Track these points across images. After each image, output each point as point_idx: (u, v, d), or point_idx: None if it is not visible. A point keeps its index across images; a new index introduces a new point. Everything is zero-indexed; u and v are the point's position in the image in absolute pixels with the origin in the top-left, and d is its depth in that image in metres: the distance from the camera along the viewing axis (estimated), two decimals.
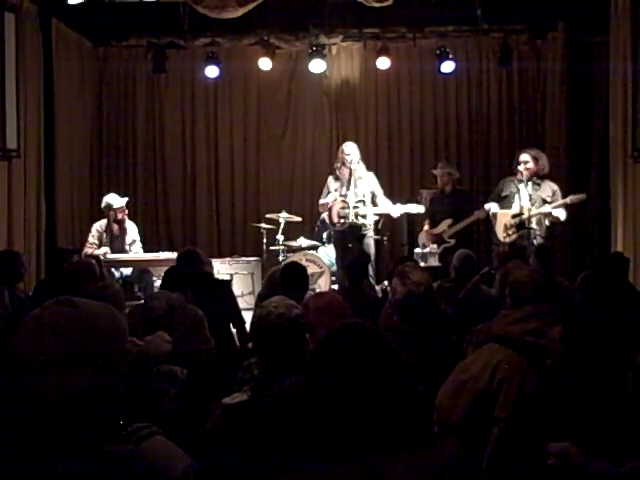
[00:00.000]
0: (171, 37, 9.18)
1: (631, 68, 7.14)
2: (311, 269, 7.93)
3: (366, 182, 7.48)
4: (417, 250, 8.49)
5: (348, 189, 7.45)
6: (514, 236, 7.02)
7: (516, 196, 7.09)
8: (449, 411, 2.78)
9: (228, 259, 8.56)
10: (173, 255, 7.76)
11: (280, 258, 8.18)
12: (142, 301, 5.15)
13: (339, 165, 7.60)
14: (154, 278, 7.63)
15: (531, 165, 7.00)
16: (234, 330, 5.34)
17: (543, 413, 2.53)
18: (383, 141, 9.79)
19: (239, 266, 8.47)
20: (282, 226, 8.47)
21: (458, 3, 8.38)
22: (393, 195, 8.17)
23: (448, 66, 8.83)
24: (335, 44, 9.46)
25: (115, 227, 7.82)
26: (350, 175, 7.46)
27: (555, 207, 6.91)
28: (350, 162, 7.41)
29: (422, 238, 8.30)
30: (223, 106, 9.88)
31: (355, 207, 7.40)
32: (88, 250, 7.65)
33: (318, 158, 9.69)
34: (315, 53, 8.74)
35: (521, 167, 7.01)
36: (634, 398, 2.31)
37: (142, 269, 7.78)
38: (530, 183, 6.96)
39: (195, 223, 9.89)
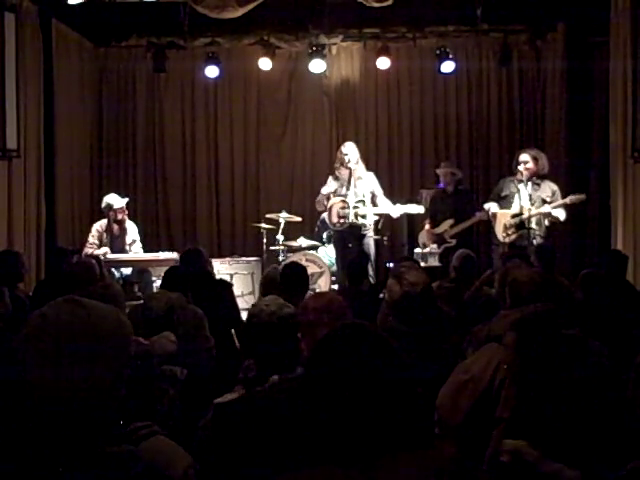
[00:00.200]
0: (171, 37, 9.18)
1: (631, 68, 7.14)
2: (311, 269, 7.93)
3: (366, 182, 7.48)
4: (417, 250, 8.49)
5: (348, 189, 7.45)
6: (513, 236, 7.02)
7: (516, 196, 7.09)
8: (450, 411, 2.78)
9: (228, 259, 8.56)
10: (173, 255, 7.78)
11: (280, 258, 8.18)
12: (142, 301, 5.15)
13: (338, 165, 7.60)
14: (154, 278, 7.63)
15: (531, 165, 7.00)
16: (233, 330, 5.34)
17: (544, 412, 2.53)
18: (383, 141, 9.79)
19: (239, 266, 8.47)
20: (282, 226, 8.47)
21: (458, 3, 8.38)
22: (393, 195, 8.17)
23: (448, 66, 8.83)
24: (335, 44, 9.46)
25: (115, 227, 7.82)
26: (350, 175, 7.46)
27: (555, 207, 6.91)
28: (348, 162, 7.41)
29: (423, 237, 8.30)
30: (223, 106, 9.88)
31: (355, 207, 7.40)
32: (88, 250, 7.65)
33: (318, 158, 9.69)
34: (315, 53, 8.74)
35: (521, 167, 7.02)
36: (634, 398, 2.31)
37: (141, 269, 7.78)
38: (530, 183, 6.96)
39: (195, 223, 9.89)
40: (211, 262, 5.89)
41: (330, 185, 7.60)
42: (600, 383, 2.77)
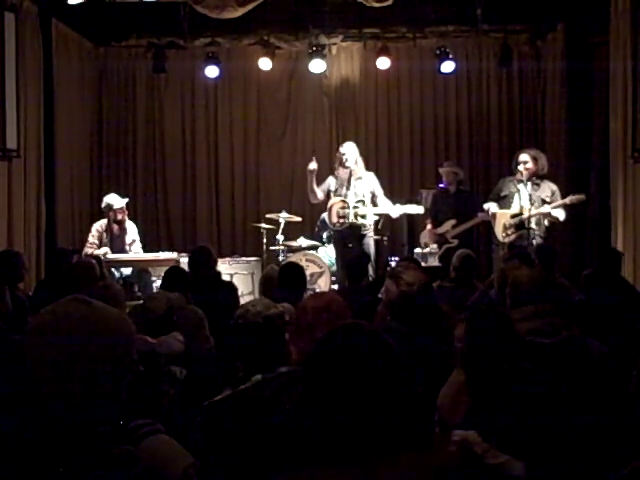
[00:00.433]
0: (171, 37, 9.18)
1: (631, 68, 7.13)
2: (311, 269, 7.93)
3: (366, 182, 7.47)
4: (417, 250, 8.49)
5: (348, 189, 7.45)
6: (513, 236, 7.02)
7: (515, 196, 7.09)
8: (450, 411, 2.78)
9: (228, 259, 8.56)
10: (173, 255, 7.79)
11: (280, 258, 8.18)
12: (142, 301, 5.16)
13: (337, 165, 7.60)
14: (153, 278, 7.63)
15: (530, 165, 7.00)
16: None
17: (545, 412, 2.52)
18: (383, 141, 9.79)
19: (239, 266, 8.47)
20: (282, 226, 8.47)
21: (458, 3, 8.38)
22: (393, 195, 8.17)
23: (448, 66, 8.83)
24: (335, 44, 9.47)
25: (115, 227, 7.82)
26: (350, 175, 7.45)
27: (554, 207, 6.91)
28: (346, 161, 7.40)
29: (424, 237, 8.30)
30: (223, 106, 9.88)
31: (355, 207, 7.39)
32: (88, 250, 7.65)
33: (318, 158, 9.64)
34: (315, 53, 8.74)
35: (520, 167, 7.01)
36: (637, 397, 2.31)
37: (141, 269, 7.78)
38: (529, 183, 6.95)
39: (195, 223, 9.89)
40: (217, 260, 5.88)
41: (326, 182, 7.59)
42: (600, 383, 2.77)
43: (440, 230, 7.86)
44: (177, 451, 1.55)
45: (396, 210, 7.41)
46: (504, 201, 7.21)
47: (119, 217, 7.80)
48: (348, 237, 7.53)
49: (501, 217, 7.16)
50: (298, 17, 8.96)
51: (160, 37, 9.25)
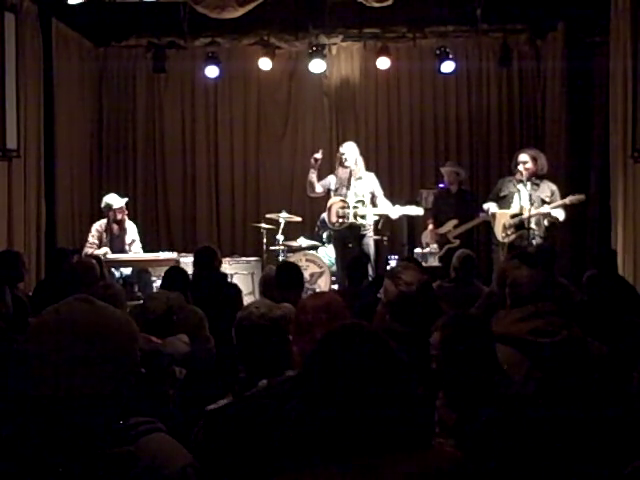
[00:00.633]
0: (171, 37, 9.19)
1: (631, 68, 7.12)
2: (311, 269, 7.94)
3: (366, 182, 7.46)
4: (417, 250, 8.49)
5: (348, 189, 7.44)
6: (513, 236, 7.02)
7: (515, 196, 7.09)
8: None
9: (228, 259, 8.55)
10: (173, 255, 7.79)
11: (280, 258, 8.18)
12: (142, 301, 5.16)
13: (337, 165, 7.60)
14: (153, 278, 7.63)
15: (530, 165, 7.00)
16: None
17: (545, 412, 2.52)
18: (383, 141, 9.79)
19: (239, 266, 8.47)
20: (282, 226, 8.47)
21: (458, 3, 8.38)
22: (393, 195, 8.17)
23: (448, 66, 8.83)
24: (335, 44, 9.47)
25: (115, 227, 7.82)
26: (350, 175, 7.45)
27: (554, 207, 6.91)
28: (346, 161, 7.40)
29: (426, 237, 8.30)
30: (223, 106, 9.88)
31: (355, 207, 7.39)
32: (88, 250, 7.65)
33: None
34: (315, 53, 8.74)
35: (520, 167, 7.01)
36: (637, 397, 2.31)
37: (141, 269, 7.78)
38: (529, 183, 6.95)
39: (195, 223, 9.90)
40: (222, 261, 5.88)
41: (327, 179, 7.59)
42: (599, 383, 2.77)
43: (441, 230, 7.86)
44: (176, 450, 1.54)
45: (396, 211, 7.41)
46: (504, 201, 7.20)
47: (119, 217, 7.80)
48: (348, 237, 7.53)
49: (501, 217, 7.16)
50: (298, 17, 8.96)
51: (160, 37, 9.25)
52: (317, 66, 8.84)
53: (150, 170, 9.88)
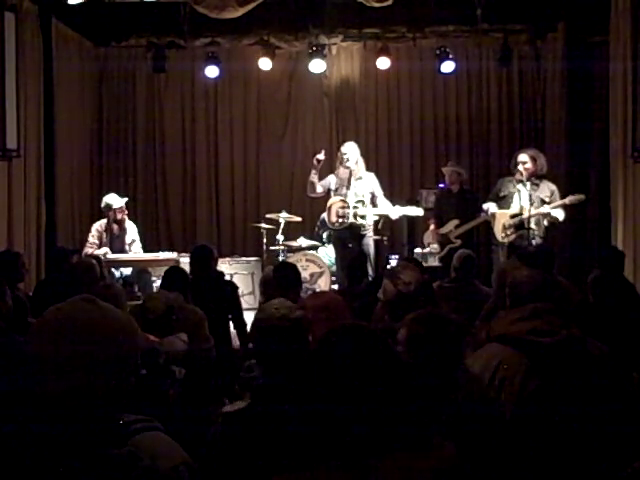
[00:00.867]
0: (171, 37, 9.18)
1: (631, 68, 7.13)
2: (311, 269, 7.94)
3: (366, 182, 7.46)
4: (417, 250, 8.49)
5: (348, 189, 7.44)
6: (513, 236, 7.02)
7: (515, 196, 7.09)
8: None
9: (228, 259, 8.56)
10: (173, 255, 7.79)
11: (280, 258, 8.18)
12: (142, 301, 5.16)
13: (337, 165, 7.61)
14: (153, 278, 7.63)
15: (529, 165, 6.99)
16: (234, 331, 5.35)
17: (545, 412, 2.52)
18: (383, 141, 9.79)
19: (239, 266, 8.47)
20: (282, 226, 8.47)
21: (458, 3, 8.37)
22: (393, 195, 8.17)
23: (448, 66, 8.83)
24: (335, 44, 9.46)
25: (115, 227, 7.82)
26: (350, 175, 7.45)
27: (554, 207, 6.91)
28: (347, 161, 7.39)
29: (428, 237, 8.29)
30: (223, 106, 9.88)
31: (354, 207, 7.39)
32: (88, 250, 7.65)
33: None
34: (315, 53, 8.74)
35: (520, 167, 7.01)
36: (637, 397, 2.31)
37: (141, 269, 7.78)
38: (529, 183, 6.95)
39: (195, 223, 9.90)
40: (217, 260, 5.89)
41: (327, 179, 7.59)
42: (599, 383, 2.77)
43: (443, 230, 7.85)
44: (170, 448, 1.53)
45: (396, 211, 7.40)
46: (503, 201, 7.20)
47: (119, 217, 7.80)
48: (348, 237, 7.53)
49: (501, 217, 7.16)
50: (298, 17, 8.95)
51: (160, 37, 9.25)
52: (317, 66, 8.83)
53: (150, 170, 9.88)
